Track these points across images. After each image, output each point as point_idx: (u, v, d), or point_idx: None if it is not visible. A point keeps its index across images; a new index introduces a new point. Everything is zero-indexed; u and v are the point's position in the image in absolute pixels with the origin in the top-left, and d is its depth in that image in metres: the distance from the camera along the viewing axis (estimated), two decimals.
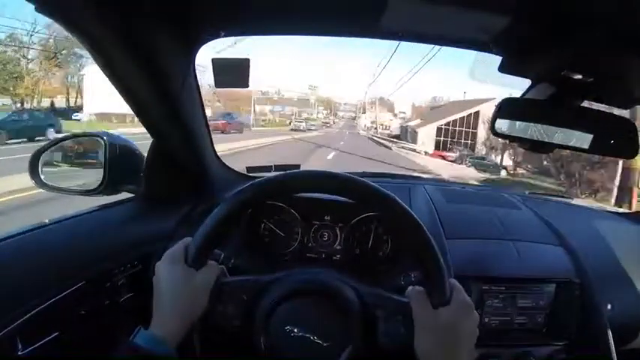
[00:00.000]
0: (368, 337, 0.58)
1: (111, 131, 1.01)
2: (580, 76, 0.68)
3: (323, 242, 1.00)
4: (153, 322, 0.54)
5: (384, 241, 0.98)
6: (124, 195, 0.98)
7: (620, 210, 1.53)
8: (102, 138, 0.94)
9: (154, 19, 0.62)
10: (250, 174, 1.25)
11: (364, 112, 69.53)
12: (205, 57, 0.87)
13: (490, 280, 0.86)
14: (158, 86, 0.72)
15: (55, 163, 1.00)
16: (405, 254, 0.91)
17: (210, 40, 0.76)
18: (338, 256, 1.00)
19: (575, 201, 1.43)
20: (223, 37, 0.74)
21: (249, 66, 0.79)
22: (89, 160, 1.02)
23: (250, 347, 0.59)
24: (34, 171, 0.93)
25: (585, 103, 0.78)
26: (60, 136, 1.11)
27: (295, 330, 0.57)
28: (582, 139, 0.76)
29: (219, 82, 0.81)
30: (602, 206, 1.55)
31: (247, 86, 0.81)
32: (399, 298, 0.59)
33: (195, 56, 0.78)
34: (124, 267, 0.82)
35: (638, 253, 1.06)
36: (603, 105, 0.79)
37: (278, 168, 1.24)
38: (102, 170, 0.91)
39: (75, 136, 1.06)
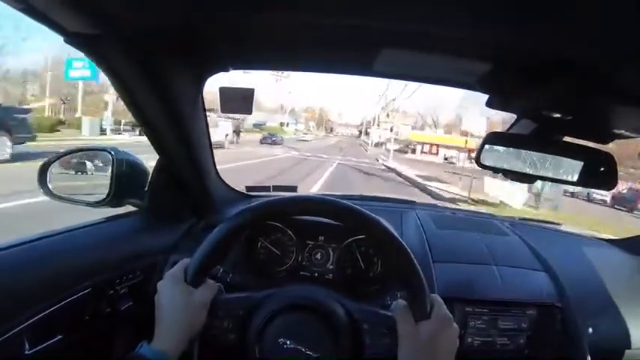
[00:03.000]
0: (355, 350, 0.62)
1: None
2: (559, 115, 0.73)
3: (316, 261, 1.04)
4: (155, 337, 0.58)
5: (374, 262, 1.02)
6: (128, 208, 1.02)
7: (609, 237, 1.56)
8: (110, 152, 0.98)
9: (169, 53, 0.67)
10: (250, 193, 1.31)
11: (378, 125, 44.95)
12: None
13: (473, 302, 0.90)
14: (168, 111, 0.77)
15: (63, 174, 1.05)
16: (393, 276, 0.95)
17: (218, 72, 0.82)
18: (330, 275, 1.03)
19: (565, 228, 1.46)
20: (231, 70, 0.79)
21: (253, 95, 0.85)
22: (96, 173, 1.07)
23: (245, 359, 0.63)
24: (42, 180, 0.97)
25: (568, 138, 0.83)
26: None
27: (288, 342, 0.61)
28: (565, 171, 0.80)
29: (225, 108, 0.87)
30: (593, 233, 1.58)
31: (250, 113, 0.86)
32: (384, 312, 0.63)
33: (203, 85, 0.83)
34: (126, 277, 0.86)
35: (622, 279, 1.09)
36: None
37: (276, 189, 1.30)
38: (108, 183, 0.96)
39: (84, 149, 1.10)
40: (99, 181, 1.02)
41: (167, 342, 0.57)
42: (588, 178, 0.78)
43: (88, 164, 1.07)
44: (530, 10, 0.46)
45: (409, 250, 0.60)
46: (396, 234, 0.61)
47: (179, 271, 0.63)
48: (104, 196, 0.95)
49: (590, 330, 0.93)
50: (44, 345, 0.68)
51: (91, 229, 0.89)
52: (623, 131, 0.78)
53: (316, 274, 1.04)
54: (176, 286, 0.61)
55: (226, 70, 0.80)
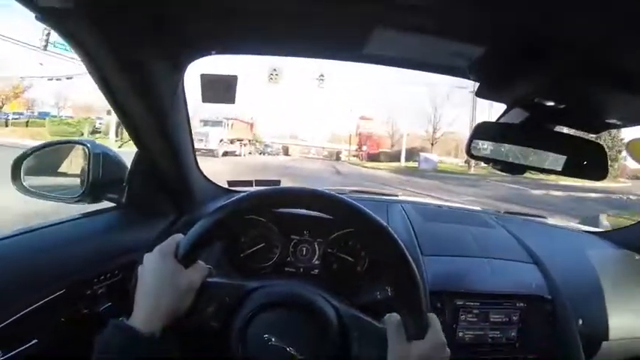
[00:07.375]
0: (342, 355, 0.59)
1: None
2: (552, 103, 0.72)
3: (301, 257, 1.02)
4: (134, 314, 0.53)
5: (362, 257, 1.00)
6: (107, 204, 0.98)
7: (594, 229, 1.58)
8: (85, 146, 0.94)
9: (147, 35, 0.63)
10: (231, 188, 1.27)
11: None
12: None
13: (464, 295, 0.89)
14: (147, 99, 0.73)
15: (37, 168, 0.99)
16: (382, 270, 0.93)
17: (200, 57, 0.78)
18: (316, 270, 1.01)
19: (550, 220, 1.47)
20: (214, 54, 0.75)
21: (236, 83, 0.81)
22: (72, 167, 1.02)
23: (226, 351, 0.59)
24: (15, 176, 0.92)
25: (558, 128, 0.82)
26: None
27: (273, 339, 0.58)
28: (555, 162, 0.79)
29: (207, 97, 0.82)
30: (578, 226, 1.59)
31: (234, 102, 0.82)
32: (376, 323, 0.60)
33: (184, 72, 0.79)
34: (104, 276, 0.82)
35: (609, 270, 1.10)
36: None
37: (259, 183, 1.27)
38: (84, 178, 0.91)
39: (59, 142, 1.05)
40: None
41: (146, 322, 0.52)
42: (578, 169, 0.78)
43: None
44: None
45: (413, 264, 0.56)
46: (402, 243, 0.57)
47: (170, 246, 0.57)
48: (80, 191, 0.91)
49: (580, 321, 0.93)
50: (18, 350, 0.64)
51: (65, 226, 0.84)
52: (614, 121, 0.78)
53: (302, 270, 1.01)
54: (165, 261, 0.55)
55: (209, 54, 0.76)
